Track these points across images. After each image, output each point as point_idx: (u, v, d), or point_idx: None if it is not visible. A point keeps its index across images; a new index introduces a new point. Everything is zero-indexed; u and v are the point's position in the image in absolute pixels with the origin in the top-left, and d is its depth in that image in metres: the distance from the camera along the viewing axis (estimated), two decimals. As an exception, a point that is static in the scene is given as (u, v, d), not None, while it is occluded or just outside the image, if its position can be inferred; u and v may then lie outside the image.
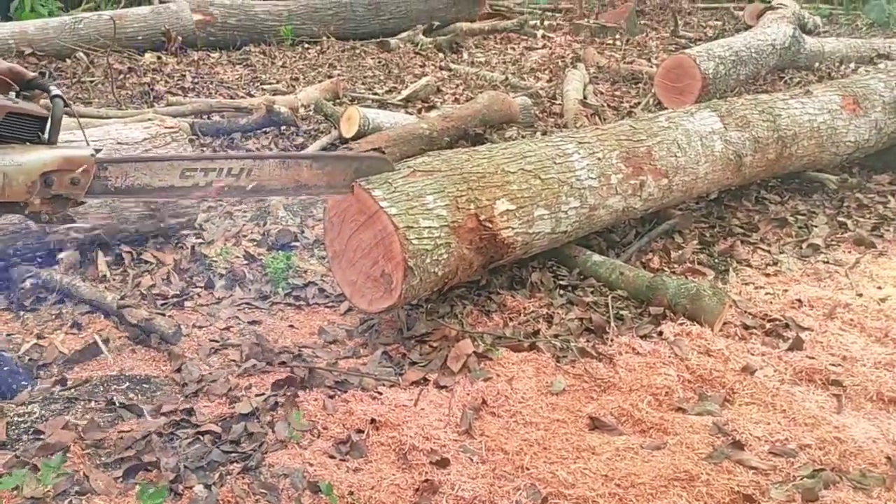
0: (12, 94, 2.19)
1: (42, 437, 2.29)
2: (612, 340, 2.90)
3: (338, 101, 5.99)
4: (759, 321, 3.10)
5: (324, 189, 2.68)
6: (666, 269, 3.54)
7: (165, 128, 3.59)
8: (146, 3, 8.62)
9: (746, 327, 3.05)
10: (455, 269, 2.87)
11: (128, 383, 2.62)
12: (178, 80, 6.62)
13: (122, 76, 6.45)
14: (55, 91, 2.08)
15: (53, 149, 2.09)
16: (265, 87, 6.54)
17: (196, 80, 6.66)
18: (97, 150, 2.17)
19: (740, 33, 7.39)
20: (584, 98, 6.00)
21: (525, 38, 8.81)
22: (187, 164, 2.31)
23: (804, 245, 3.85)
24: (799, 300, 3.27)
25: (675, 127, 3.70)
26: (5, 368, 2.51)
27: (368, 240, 2.77)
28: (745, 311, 3.16)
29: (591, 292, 3.26)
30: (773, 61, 6.58)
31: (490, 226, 2.92)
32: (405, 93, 6.18)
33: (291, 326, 3.04)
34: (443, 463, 2.23)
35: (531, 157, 3.17)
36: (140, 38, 7.39)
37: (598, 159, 3.34)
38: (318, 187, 2.65)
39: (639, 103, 6.07)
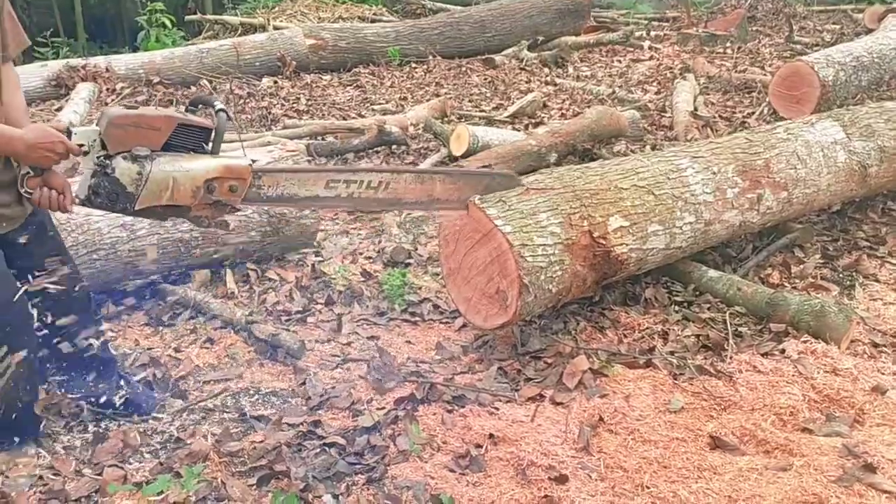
0: (181, 108, 2.37)
1: (182, 445, 2.45)
2: (730, 358, 2.85)
3: (446, 119, 6.10)
4: (890, 339, 2.97)
5: (455, 203, 2.78)
6: (787, 284, 3.44)
7: (287, 151, 3.76)
8: (261, 31, 9.04)
9: (876, 345, 2.93)
10: (569, 285, 2.89)
11: (257, 396, 2.77)
12: (293, 102, 6.91)
13: (242, 101, 6.78)
14: (219, 105, 2.23)
15: (216, 158, 2.24)
16: (375, 107, 6.73)
17: (310, 103, 6.93)
18: (253, 161, 2.31)
19: (860, 37, 7.08)
20: (695, 109, 5.89)
21: (631, 49, 8.70)
22: (332, 176, 2.44)
23: (937, 259, 3.66)
24: (933, 317, 3.12)
25: (794, 138, 3.60)
26: (139, 381, 2.70)
27: (483, 257, 2.82)
28: (874, 329, 3.03)
29: (708, 308, 3.20)
30: (897, 65, 6.27)
31: (603, 242, 2.92)
32: (512, 109, 6.23)
33: (408, 342, 3.12)
34: (562, 479, 2.25)
35: (644, 173, 3.16)
36: (257, 63, 7.77)
37: (713, 173, 3.29)
38: (450, 201, 2.75)
39: (752, 113, 5.91)
